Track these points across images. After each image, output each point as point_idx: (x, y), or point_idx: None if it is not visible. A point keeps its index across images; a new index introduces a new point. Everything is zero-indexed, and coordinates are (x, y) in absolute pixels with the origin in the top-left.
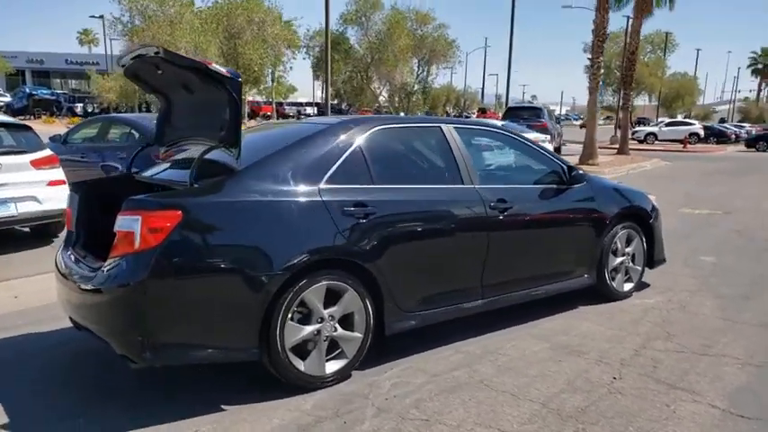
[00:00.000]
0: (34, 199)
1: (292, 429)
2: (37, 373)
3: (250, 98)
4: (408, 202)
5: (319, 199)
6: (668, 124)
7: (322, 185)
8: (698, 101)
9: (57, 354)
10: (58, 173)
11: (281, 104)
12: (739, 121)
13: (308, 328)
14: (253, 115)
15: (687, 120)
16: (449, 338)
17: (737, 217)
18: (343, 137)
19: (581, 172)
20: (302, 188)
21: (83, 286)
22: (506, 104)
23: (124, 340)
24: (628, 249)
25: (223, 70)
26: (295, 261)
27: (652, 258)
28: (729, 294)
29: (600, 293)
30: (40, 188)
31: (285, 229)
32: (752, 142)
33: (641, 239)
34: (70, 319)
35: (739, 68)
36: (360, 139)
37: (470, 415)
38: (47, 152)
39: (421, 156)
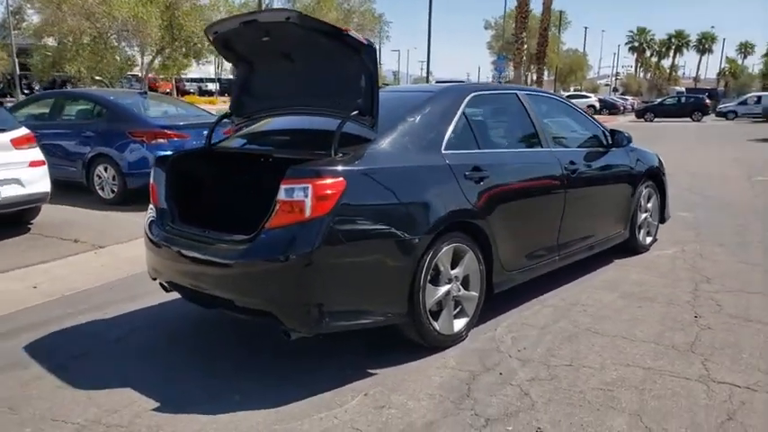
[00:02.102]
0: (17, 182)
1: (456, 384)
2: (168, 355)
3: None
4: (510, 165)
5: (446, 164)
6: (568, 97)
7: (444, 151)
8: (587, 75)
9: (179, 334)
10: (38, 152)
11: (179, 81)
12: (621, 94)
13: (442, 289)
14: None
15: (583, 93)
16: (527, 295)
17: (677, 179)
18: (450, 103)
19: (624, 135)
20: (431, 155)
21: (226, 260)
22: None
23: (293, 310)
24: (649, 206)
25: (360, 38)
26: (436, 224)
27: (663, 214)
28: (728, 242)
29: (627, 247)
30: (22, 170)
31: (426, 194)
32: (641, 113)
33: (657, 197)
34: (188, 296)
35: (619, 45)
36: (463, 105)
37: (604, 358)
38: (24, 130)
39: (507, 121)
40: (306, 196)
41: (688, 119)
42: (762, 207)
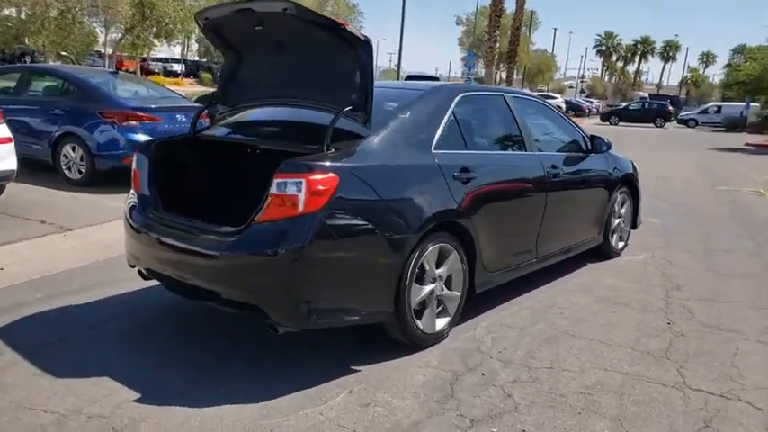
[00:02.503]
0: None
1: (440, 384)
2: (147, 343)
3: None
4: (496, 167)
5: (436, 163)
6: None
7: (434, 150)
8: (554, 76)
9: (156, 322)
10: (5, 129)
11: (144, 60)
12: (587, 96)
13: (426, 288)
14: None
15: (550, 94)
16: (504, 296)
17: (645, 185)
18: (440, 103)
19: (604, 141)
20: (421, 153)
21: (214, 251)
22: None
23: (281, 305)
24: (622, 211)
25: (357, 33)
26: (425, 223)
27: (636, 220)
28: (696, 250)
29: (599, 251)
30: None
31: (416, 193)
32: (606, 116)
33: (630, 203)
34: (169, 286)
35: (587, 48)
36: (452, 105)
37: (582, 361)
38: None
39: (494, 123)
40: (299, 191)
41: (651, 124)
42: (725, 216)
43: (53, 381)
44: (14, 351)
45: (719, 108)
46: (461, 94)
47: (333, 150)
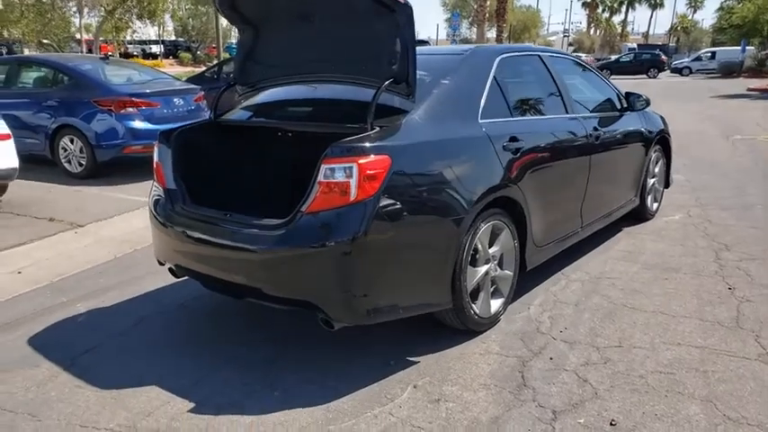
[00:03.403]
0: None
1: (508, 372)
2: (186, 346)
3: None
4: (542, 134)
5: (484, 134)
6: None
7: (480, 120)
8: (539, 33)
9: (190, 322)
10: (2, 126)
11: (121, 43)
12: (574, 51)
13: (481, 270)
14: None
15: None
16: (548, 270)
17: None
18: (480, 67)
19: (642, 97)
20: (468, 124)
21: (258, 246)
22: None
23: (337, 301)
24: (656, 171)
25: None
26: (479, 200)
27: (668, 179)
28: (732, 206)
29: (634, 214)
30: None
31: (468, 169)
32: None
33: (663, 161)
34: (205, 283)
35: (572, 1)
36: (493, 69)
37: (651, 336)
38: None
39: (533, 85)
40: (350, 176)
41: (644, 76)
42: (750, 167)
43: (99, 394)
44: (50, 362)
45: (713, 54)
46: (500, 56)
47: (377, 129)
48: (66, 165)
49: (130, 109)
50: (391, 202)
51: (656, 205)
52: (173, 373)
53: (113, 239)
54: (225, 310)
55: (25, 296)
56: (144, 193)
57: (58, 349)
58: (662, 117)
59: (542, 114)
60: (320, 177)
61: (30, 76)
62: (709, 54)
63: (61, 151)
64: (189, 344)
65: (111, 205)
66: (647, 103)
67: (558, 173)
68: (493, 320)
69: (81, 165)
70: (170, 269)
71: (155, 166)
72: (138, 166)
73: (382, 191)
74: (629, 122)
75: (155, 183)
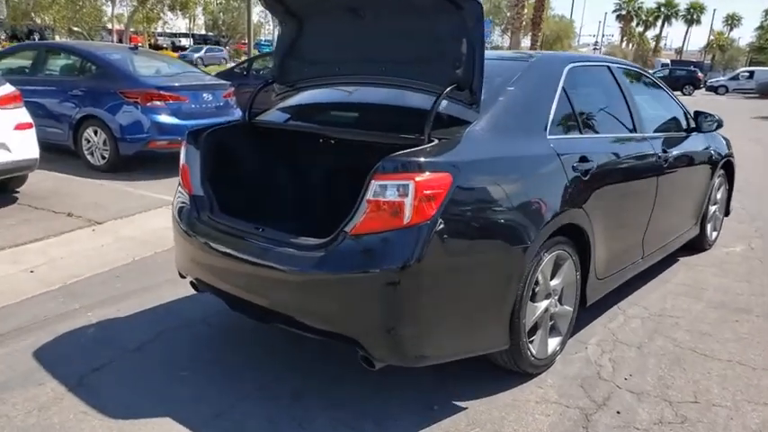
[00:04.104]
0: (2, 147)
1: (569, 427)
2: (206, 368)
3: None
4: (612, 154)
5: (553, 152)
6: None
7: (549, 136)
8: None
9: (212, 340)
10: (24, 114)
11: (151, 35)
12: None
13: (541, 306)
14: None
15: None
16: (603, 303)
17: None
18: (548, 77)
19: (714, 118)
20: (536, 141)
21: (293, 268)
22: None
23: (382, 337)
24: (718, 197)
25: None
26: (546, 228)
27: (728, 206)
28: None
29: (690, 244)
30: (7, 133)
31: (536, 191)
32: None
33: (725, 187)
34: (229, 303)
35: (606, 13)
36: (562, 79)
37: (732, 392)
38: (10, 87)
39: (602, 99)
40: (405, 196)
41: (679, 92)
42: None
43: (107, 423)
44: (56, 380)
45: (752, 73)
46: (570, 65)
47: (435, 141)
48: (88, 157)
49: (157, 102)
50: (449, 227)
51: (714, 234)
52: (191, 400)
53: (133, 240)
54: (250, 329)
55: (36, 299)
56: (168, 190)
57: (66, 365)
58: (727, 139)
59: (612, 132)
60: (369, 195)
61: (57, 64)
62: (747, 73)
63: (84, 143)
64: (210, 366)
65: (132, 202)
66: (720, 124)
67: (625, 198)
68: (549, 362)
69: (104, 158)
70: (191, 282)
71: (181, 168)
72: (163, 162)
73: (440, 214)
74: (696, 144)
75: (180, 187)
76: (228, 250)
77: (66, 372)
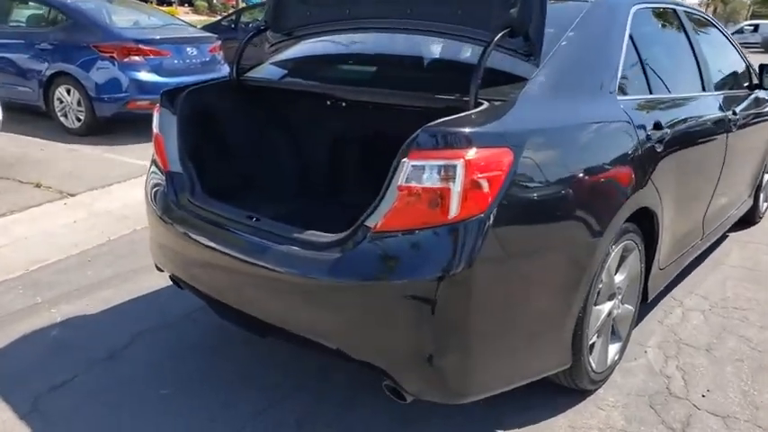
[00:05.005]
0: None
1: None
2: (196, 385)
3: None
4: (684, 119)
5: (625, 118)
6: None
7: (618, 97)
8: None
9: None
10: None
11: None
12: None
13: (605, 309)
14: None
15: None
16: None
17: None
18: (613, 23)
19: None
20: (605, 103)
21: (299, 272)
22: None
23: (413, 366)
24: None
25: None
26: (619, 215)
27: None
28: None
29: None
30: None
31: (608, 168)
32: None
33: None
34: (218, 311)
35: None
36: (628, 24)
37: None
38: None
39: (671, 51)
40: (451, 180)
41: None
42: None
43: None
44: (5, 402)
45: (756, 27)
46: (635, 7)
47: (485, 105)
48: (62, 119)
49: (136, 57)
50: (508, 221)
51: (765, 205)
52: (174, 428)
53: (109, 214)
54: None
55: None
56: (149, 157)
57: (18, 381)
58: None
59: (682, 91)
60: (401, 180)
61: (23, 14)
62: (752, 27)
63: (57, 103)
64: (196, 383)
65: (110, 170)
66: None
67: (693, 171)
68: (608, 373)
69: (79, 120)
70: (171, 277)
71: (154, 138)
72: (145, 125)
73: (497, 204)
74: (759, 104)
75: (154, 161)
76: (212, 244)
77: (18, 390)
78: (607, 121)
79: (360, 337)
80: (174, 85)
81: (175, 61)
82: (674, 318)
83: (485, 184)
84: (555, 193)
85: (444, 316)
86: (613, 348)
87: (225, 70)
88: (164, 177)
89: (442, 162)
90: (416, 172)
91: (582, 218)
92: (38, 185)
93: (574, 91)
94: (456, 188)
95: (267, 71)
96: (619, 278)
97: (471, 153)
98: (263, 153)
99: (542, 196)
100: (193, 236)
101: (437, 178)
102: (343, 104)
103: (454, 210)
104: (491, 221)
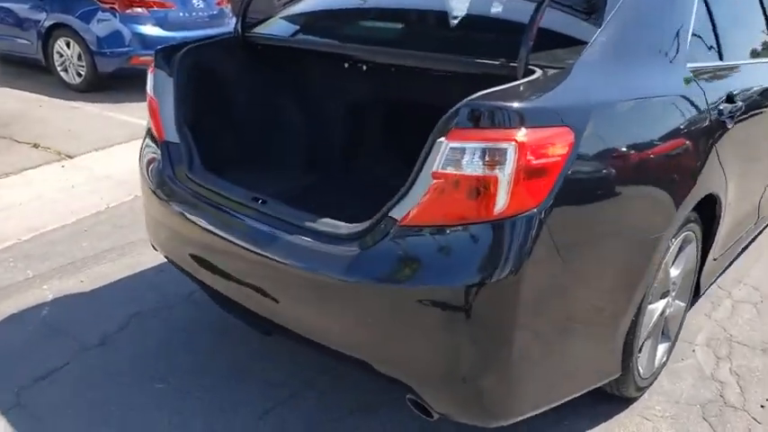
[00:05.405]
0: None
1: None
2: (204, 376)
3: None
4: (754, 90)
5: (697, 90)
6: None
7: (690, 64)
8: None
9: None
10: None
11: None
12: None
13: (658, 308)
14: None
15: None
16: None
17: None
18: None
19: None
20: (673, 71)
21: (311, 267)
22: None
23: (443, 384)
24: None
25: None
26: (685, 204)
27: None
28: None
29: None
30: None
31: (676, 150)
32: None
33: None
34: (222, 304)
35: None
36: None
37: None
38: None
39: (738, 9)
40: (499, 166)
41: None
42: None
43: None
44: None
45: None
46: None
47: (537, 72)
48: (62, 74)
49: (139, 9)
50: (565, 216)
51: None
52: (170, 424)
53: (109, 179)
54: None
55: None
56: None
57: (3, 370)
58: None
59: (752, 57)
60: (436, 164)
61: None
62: None
63: (56, 56)
64: (196, 376)
65: (111, 130)
66: None
67: (756, 149)
68: (655, 377)
69: (80, 75)
70: (167, 258)
71: (148, 103)
72: None
73: (554, 196)
74: None
75: (149, 130)
76: (212, 228)
77: (1, 382)
78: (676, 93)
79: (382, 349)
80: (180, 39)
81: (181, 14)
82: (722, 311)
83: (540, 172)
84: (619, 181)
85: (484, 328)
86: (661, 349)
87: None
88: (159, 149)
89: (488, 144)
90: (456, 155)
91: (647, 209)
92: (35, 146)
93: (639, 57)
94: (505, 177)
95: (277, 27)
96: (674, 273)
97: (525, 134)
98: (270, 122)
99: (605, 185)
100: (191, 217)
101: (481, 164)
102: (364, 67)
103: (501, 203)
104: (545, 217)
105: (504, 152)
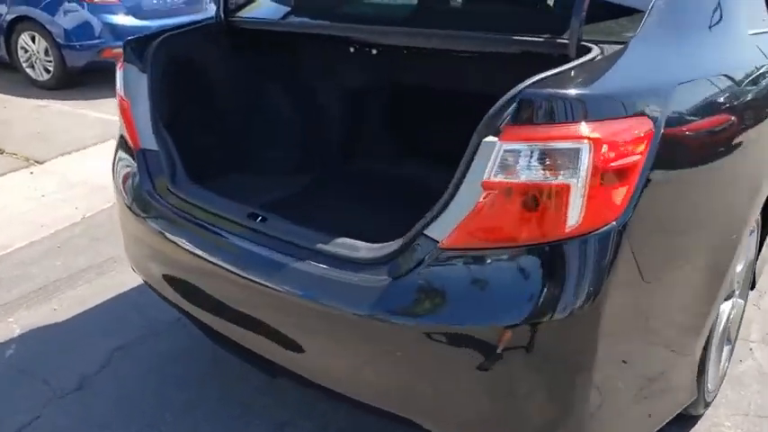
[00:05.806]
0: None
1: None
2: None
3: None
4: None
5: (764, 61)
6: None
7: (749, 31)
8: None
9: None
10: None
11: None
12: None
13: (726, 312)
14: None
15: None
16: None
17: None
18: None
19: None
20: (737, 41)
21: (327, 301)
22: None
23: None
24: None
25: None
26: (759, 198)
27: None
28: None
29: None
30: None
31: (748, 137)
32: None
33: None
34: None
35: None
36: None
37: None
38: None
39: None
40: (570, 171)
41: None
42: None
43: None
44: None
45: None
46: None
47: (594, 51)
48: (28, 70)
49: None
50: (648, 228)
51: None
52: None
53: (84, 185)
54: None
55: None
56: None
57: None
58: None
59: None
60: (487, 172)
61: None
62: None
63: (21, 52)
64: (194, 414)
65: (84, 129)
66: None
67: None
68: (719, 386)
69: (48, 71)
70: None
71: (119, 104)
72: None
73: (635, 203)
74: None
75: (121, 138)
76: (202, 253)
77: None
78: (741, 68)
79: (420, 399)
80: (155, 29)
81: (154, 1)
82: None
83: (619, 176)
84: (705, 177)
85: (559, 376)
86: (724, 355)
87: (212, 11)
88: (134, 159)
89: (555, 145)
90: (512, 159)
91: (735, 205)
92: (1, 152)
93: (701, 25)
94: (578, 184)
95: (265, 8)
96: (738, 269)
97: (599, 128)
98: (260, 119)
99: (689, 184)
100: (173, 239)
101: (547, 169)
102: (374, 51)
103: (575, 217)
104: (626, 231)
105: (576, 153)
